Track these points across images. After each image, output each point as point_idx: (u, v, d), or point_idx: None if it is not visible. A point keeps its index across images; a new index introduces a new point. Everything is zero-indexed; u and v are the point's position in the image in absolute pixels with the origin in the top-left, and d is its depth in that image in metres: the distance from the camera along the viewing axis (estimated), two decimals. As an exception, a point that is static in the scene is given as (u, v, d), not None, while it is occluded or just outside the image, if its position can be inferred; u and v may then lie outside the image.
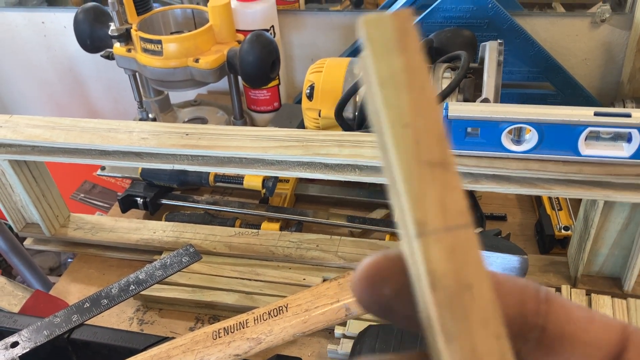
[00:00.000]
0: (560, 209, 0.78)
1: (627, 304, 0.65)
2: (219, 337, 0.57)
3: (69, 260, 1.21)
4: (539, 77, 0.95)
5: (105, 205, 1.15)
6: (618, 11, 0.95)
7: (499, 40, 0.75)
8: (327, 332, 0.69)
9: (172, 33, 0.96)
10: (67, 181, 1.17)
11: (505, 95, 0.95)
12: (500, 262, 0.68)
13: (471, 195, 0.81)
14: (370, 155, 0.63)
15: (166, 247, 0.79)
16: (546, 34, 0.98)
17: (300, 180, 0.90)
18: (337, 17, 1.08)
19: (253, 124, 1.07)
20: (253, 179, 0.86)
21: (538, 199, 0.83)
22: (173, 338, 0.60)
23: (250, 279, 0.73)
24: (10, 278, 0.81)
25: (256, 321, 0.58)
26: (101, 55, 0.96)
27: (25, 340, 0.61)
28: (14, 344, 0.61)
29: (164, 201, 0.88)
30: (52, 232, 0.83)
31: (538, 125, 0.57)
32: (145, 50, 0.88)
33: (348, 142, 0.65)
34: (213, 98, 1.16)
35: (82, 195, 1.18)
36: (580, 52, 1.00)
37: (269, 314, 0.58)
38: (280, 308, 0.58)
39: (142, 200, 0.87)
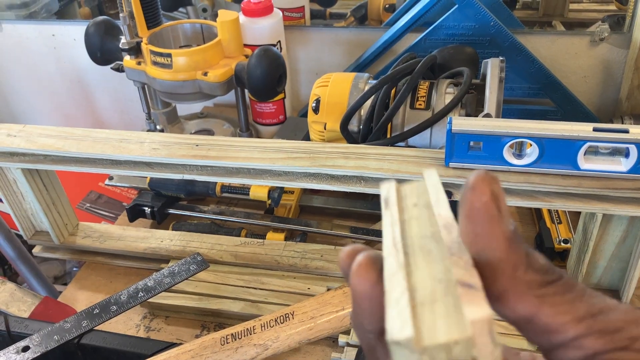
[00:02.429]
0: (560, 223, 0.80)
1: (625, 316, 0.66)
2: (227, 342, 0.58)
3: (74, 269, 1.23)
4: (539, 93, 0.97)
5: (111, 215, 1.17)
6: (617, 30, 0.98)
7: (500, 58, 0.77)
8: (331, 341, 0.70)
9: (181, 47, 0.98)
10: (74, 191, 1.18)
11: (506, 110, 0.97)
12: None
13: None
14: (375, 167, 0.64)
15: (173, 255, 0.81)
16: (546, 51, 1.01)
17: (305, 192, 0.92)
18: (341, 32, 1.11)
19: (258, 136, 1.09)
20: (259, 189, 0.88)
21: (538, 212, 0.85)
22: (181, 344, 0.61)
23: (255, 288, 0.75)
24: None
25: (263, 328, 0.59)
26: (111, 68, 0.98)
27: (36, 345, 0.62)
28: (25, 348, 0.62)
29: (171, 211, 0.90)
30: (61, 240, 0.84)
31: (539, 140, 0.59)
32: (155, 63, 0.90)
33: (354, 154, 0.66)
34: (219, 110, 1.18)
35: (88, 205, 1.19)
36: (579, 69, 1.02)
37: (276, 320, 0.59)
38: (287, 315, 0.60)
39: (149, 209, 0.88)
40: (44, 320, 0.69)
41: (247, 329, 0.59)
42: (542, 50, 1.00)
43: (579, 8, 1.18)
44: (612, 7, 1.10)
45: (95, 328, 0.65)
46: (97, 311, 0.66)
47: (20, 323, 0.67)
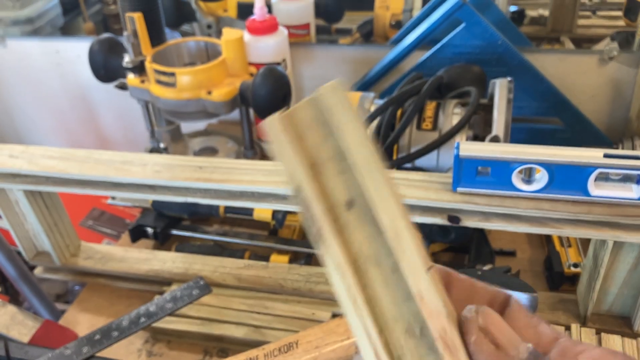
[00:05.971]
0: (570, 246, 0.79)
1: (638, 344, 0.65)
2: (229, 373, 0.57)
3: (76, 287, 1.21)
4: (547, 112, 0.96)
5: (114, 232, 1.16)
6: (626, 49, 0.97)
7: (508, 78, 0.76)
8: (336, 368, 0.68)
9: (185, 65, 0.97)
10: (76, 208, 1.17)
11: (514, 129, 0.95)
12: (510, 300, 0.68)
13: (481, 231, 0.82)
14: (381, 192, 0.63)
15: (175, 278, 0.79)
16: (555, 70, 0.99)
17: (310, 212, 0.91)
18: (347, 50, 1.10)
19: (263, 154, 1.08)
20: (263, 210, 0.86)
21: (547, 235, 0.83)
22: (183, 372, 0.60)
23: (259, 313, 0.73)
24: (18, 305, 0.81)
25: (267, 357, 0.58)
26: (115, 86, 0.98)
27: (36, 372, 0.61)
28: (24, 376, 0.61)
29: (174, 232, 0.89)
30: (62, 261, 0.83)
31: (548, 166, 0.57)
32: (159, 82, 0.89)
33: (359, 178, 0.65)
34: (223, 128, 1.17)
35: (91, 222, 1.18)
36: (588, 88, 1.01)
37: (280, 350, 0.58)
38: (291, 344, 0.58)
39: (152, 230, 0.87)
40: (45, 346, 0.68)
41: (251, 358, 0.58)
42: (551, 68, 0.99)
43: (587, 24, 1.17)
44: (621, 22, 1.09)
45: (96, 354, 0.64)
46: (98, 337, 0.65)
47: (21, 349, 0.66)
